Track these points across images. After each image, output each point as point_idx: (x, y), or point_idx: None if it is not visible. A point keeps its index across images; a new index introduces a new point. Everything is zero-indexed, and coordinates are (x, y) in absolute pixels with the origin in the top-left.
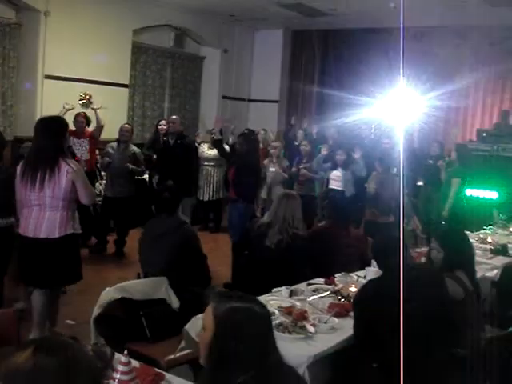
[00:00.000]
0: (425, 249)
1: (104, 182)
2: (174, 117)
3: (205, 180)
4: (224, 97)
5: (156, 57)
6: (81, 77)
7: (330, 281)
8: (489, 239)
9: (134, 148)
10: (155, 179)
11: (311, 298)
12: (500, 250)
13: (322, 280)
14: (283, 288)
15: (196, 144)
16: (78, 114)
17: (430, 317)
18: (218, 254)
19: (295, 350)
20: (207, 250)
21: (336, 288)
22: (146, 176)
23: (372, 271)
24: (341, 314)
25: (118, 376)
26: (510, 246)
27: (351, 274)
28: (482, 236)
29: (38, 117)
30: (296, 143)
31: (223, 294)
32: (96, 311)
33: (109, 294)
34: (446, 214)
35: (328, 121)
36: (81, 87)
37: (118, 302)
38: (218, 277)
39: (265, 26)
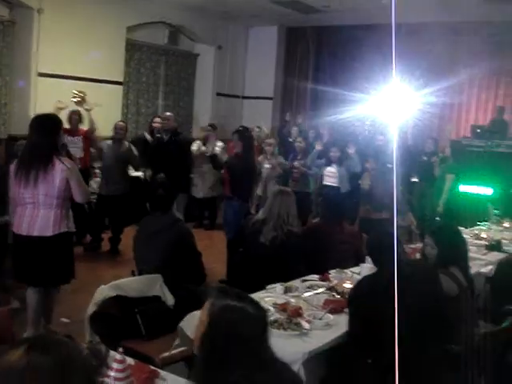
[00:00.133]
0: (419, 245)
1: (98, 179)
2: (167, 114)
3: (200, 177)
4: (218, 94)
5: (150, 54)
6: (74, 74)
7: (324, 277)
8: (483, 235)
9: (128, 145)
10: (148, 174)
11: (306, 295)
12: (494, 246)
13: (316, 276)
14: (278, 285)
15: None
16: (72, 112)
17: (425, 313)
18: (213, 251)
19: (290, 347)
20: (202, 248)
21: (331, 284)
22: (140, 173)
23: (367, 267)
24: (336, 310)
25: (113, 374)
26: (504, 241)
27: (346, 271)
28: (476, 232)
29: (31, 115)
30: (290, 140)
31: (221, 290)
32: (91, 309)
33: (103, 291)
34: (440, 210)
35: (322, 117)
36: (74, 85)
37: (113, 300)
38: (213, 274)
39: (259, 22)
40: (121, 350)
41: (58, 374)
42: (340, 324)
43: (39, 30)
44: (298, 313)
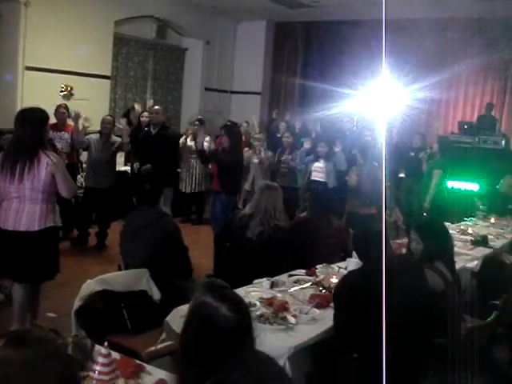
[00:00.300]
0: (405, 240)
1: (85, 173)
2: (156, 107)
3: (187, 172)
4: (206, 88)
5: (138, 48)
6: (62, 68)
7: (311, 272)
8: (469, 230)
9: (116, 139)
10: (136, 166)
11: (292, 289)
12: (480, 241)
13: (303, 271)
14: (264, 279)
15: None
16: (59, 106)
17: (410, 308)
18: (200, 246)
19: (276, 341)
20: (189, 242)
21: (317, 279)
22: (127, 168)
23: (353, 262)
24: (322, 304)
25: (98, 368)
26: (490, 237)
27: (332, 265)
28: (462, 227)
29: (18, 108)
30: (278, 135)
31: (207, 285)
32: (77, 303)
33: (90, 286)
34: (427, 206)
35: (311, 113)
36: (62, 79)
37: (99, 294)
38: (200, 269)
39: (247, 17)
40: (106, 344)
41: (29, 370)
42: (326, 318)
43: (26, 23)
44: (284, 307)
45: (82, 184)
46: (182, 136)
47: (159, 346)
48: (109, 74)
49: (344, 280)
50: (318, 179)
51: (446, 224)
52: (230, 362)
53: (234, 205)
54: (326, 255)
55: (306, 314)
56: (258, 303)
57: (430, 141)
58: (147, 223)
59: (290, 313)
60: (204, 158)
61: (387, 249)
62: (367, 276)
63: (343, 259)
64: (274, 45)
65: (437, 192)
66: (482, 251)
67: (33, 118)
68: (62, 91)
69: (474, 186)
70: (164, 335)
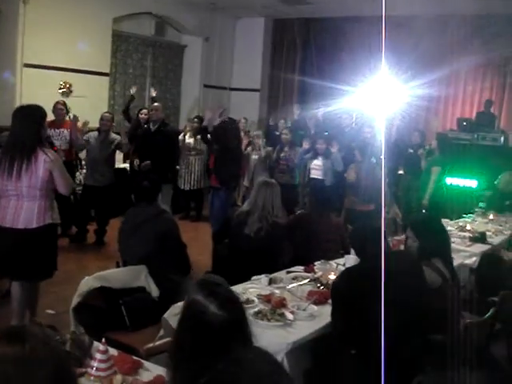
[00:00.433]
0: (404, 237)
1: (84, 171)
2: (155, 104)
3: (186, 169)
4: (205, 85)
5: (137, 45)
6: (61, 65)
7: (309, 268)
8: (468, 227)
9: (115, 136)
10: (136, 163)
11: (290, 286)
12: (479, 238)
13: (301, 268)
14: (262, 276)
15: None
16: (57, 102)
17: (407, 304)
18: (199, 242)
19: (274, 338)
20: (188, 239)
21: (315, 276)
22: (126, 165)
23: (351, 259)
24: (320, 301)
25: (96, 364)
26: (488, 233)
27: (330, 262)
28: (461, 224)
29: (17, 106)
30: (277, 132)
31: (201, 282)
32: (75, 300)
33: (88, 282)
34: (425, 203)
35: (309, 110)
36: (61, 76)
37: (98, 291)
38: (199, 266)
39: (246, 14)
40: (104, 340)
41: (19, 367)
42: (324, 315)
43: (25, 20)
44: (282, 304)
45: (80, 181)
46: (181, 133)
47: (157, 343)
48: (107, 70)
49: (342, 276)
50: (316, 177)
51: (445, 220)
52: (224, 359)
53: (233, 202)
54: (324, 252)
55: (304, 310)
56: (256, 300)
57: (429, 138)
58: (145, 220)
59: (288, 309)
60: (205, 133)
61: (385, 246)
62: (365, 273)
63: (341, 256)
64: (273, 41)
65: (435, 189)
66: (481, 248)
67: (30, 115)
68: (60, 88)
69: (472, 183)
70: (162, 332)
